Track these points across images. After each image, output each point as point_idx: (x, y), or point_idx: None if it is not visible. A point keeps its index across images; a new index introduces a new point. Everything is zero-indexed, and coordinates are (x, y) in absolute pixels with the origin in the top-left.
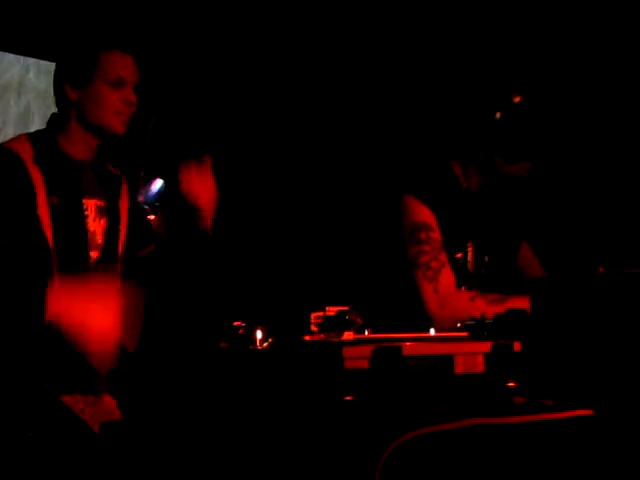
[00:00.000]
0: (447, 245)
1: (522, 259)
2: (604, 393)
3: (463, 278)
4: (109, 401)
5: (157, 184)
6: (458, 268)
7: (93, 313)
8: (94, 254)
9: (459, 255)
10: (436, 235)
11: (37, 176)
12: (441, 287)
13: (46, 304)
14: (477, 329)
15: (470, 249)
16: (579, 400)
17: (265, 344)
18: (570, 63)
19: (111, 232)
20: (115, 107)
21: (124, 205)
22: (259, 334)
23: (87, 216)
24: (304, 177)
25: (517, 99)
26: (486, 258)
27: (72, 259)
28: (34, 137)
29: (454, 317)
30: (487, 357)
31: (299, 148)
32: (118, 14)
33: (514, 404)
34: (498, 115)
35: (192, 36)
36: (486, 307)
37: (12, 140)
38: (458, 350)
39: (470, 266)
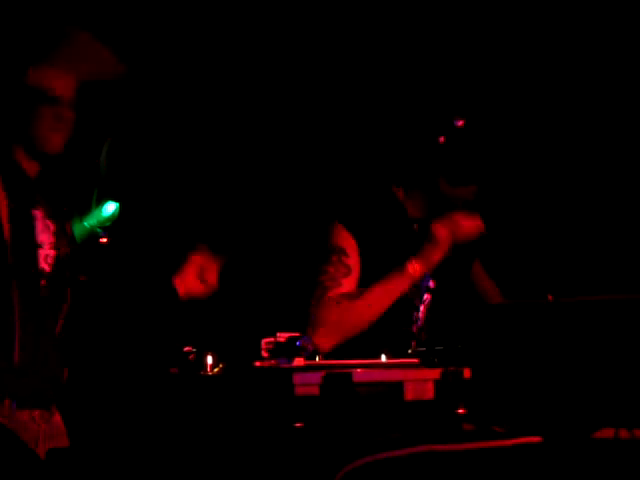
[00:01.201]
0: (385, 272)
1: (475, 279)
2: (552, 420)
3: (400, 303)
4: (59, 420)
5: (110, 207)
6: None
7: (43, 328)
8: (44, 266)
9: None
10: (348, 261)
11: None
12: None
13: (3, 307)
14: (427, 356)
15: None
16: (528, 427)
17: (215, 370)
18: (512, 83)
19: (58, 248)
20: (49, 123)
21: (69, 227)
22: (209, 359)
23: (35, 226)
24: (256, 200)
25: (460, 122)
26: (431, 283)
27: (25, 265)
28: None
29: (320, 327)
30: (437, 384)
31: (246, 173)
32: (59, 24)
33: (464, 431)
34: (442, 139)
35: (148, 54)
36: (337, 308)
37: None
38: (408, 377)
39: (409, 293)
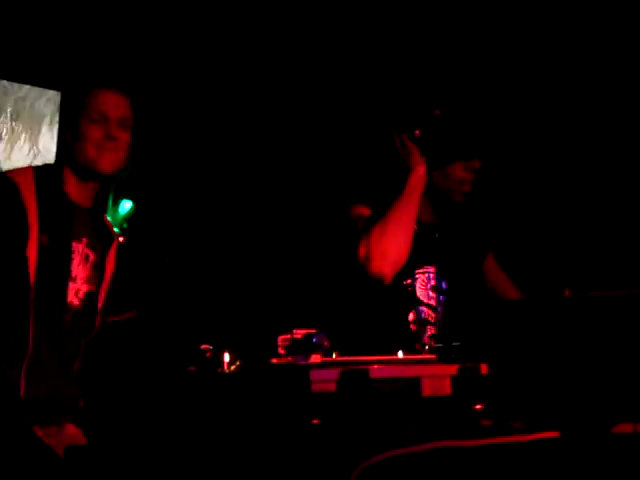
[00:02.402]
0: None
1: (488, 274)
2: (571, 415)
3: (410, 304)
4: (72, 430)
5: (126, 206)
6: (406, 295)
7: (61, 355)
8: (74, 300)
9: (408, 282)
10: None
11: (33, 213)
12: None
13: (17, 340)
14: (444, 352)
15: (418, 276)
16: (546, 422)
17: (233, 367)
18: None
19: (94, 282)
20: (96, 141)
21: (111, 261)
22: (227, 357)
23: (73, 259)
24: (271, 199)
25: (436, 112)
26: (444, 284)
27: (51, 300)
28: (39, 171)
29: (371, 256)
30: (454, 379)
31: (263, 171)
32: (103, 44)
33: (481, 426)
34: (417, 133)
35: (160, 56)
36: (373, 231)
37: (17, 171)
38: (425, 372)
39: (418, 293)
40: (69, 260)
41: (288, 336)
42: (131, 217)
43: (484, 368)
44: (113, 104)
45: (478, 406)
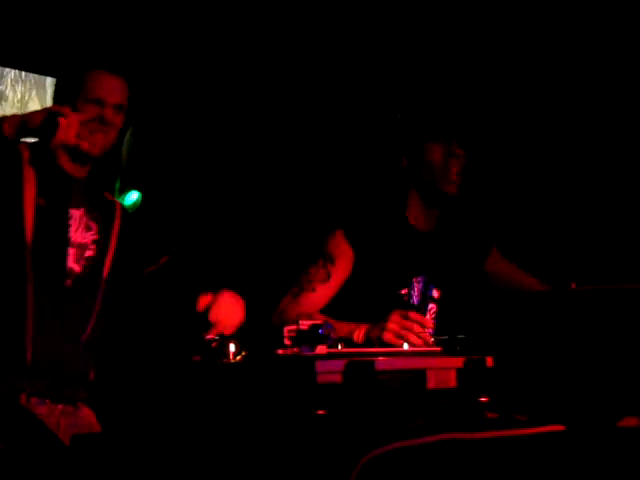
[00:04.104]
0: (390, 281)
1: (495, 270)
2: (576, 409)
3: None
4: (87, 412)
5: (132, 196)
6: (401, 305)
7: (65, 321)
8: (74, 266)
9: (404, 291)
10: (331, 269)
11: (30, 175)
12: (292, 304)
13: (16, 304)
14: (450, 344)
15: (415, 285)
16: (551, 415)
17: (238, 358)
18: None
19: (97, 249)
20: (90, 125)
21: (115, 231)
22: (232, 347)
23: (70, 225)
24: (277, 191)
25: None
26: (435, 293)
27: (49, 263)
28: (32, 145)
29: (276, 322)
30: (459, 372)
31: (267, 163)
32: (108, 32)
33: (486, 419)
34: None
35: (171, 47)
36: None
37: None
38: (430, 365)
39: (416, 301)
40: (66, 225)
41: (294, 327)
42: (138, 208)
43: (489, 361)
44: (111, 89)
45: (483, 399)
